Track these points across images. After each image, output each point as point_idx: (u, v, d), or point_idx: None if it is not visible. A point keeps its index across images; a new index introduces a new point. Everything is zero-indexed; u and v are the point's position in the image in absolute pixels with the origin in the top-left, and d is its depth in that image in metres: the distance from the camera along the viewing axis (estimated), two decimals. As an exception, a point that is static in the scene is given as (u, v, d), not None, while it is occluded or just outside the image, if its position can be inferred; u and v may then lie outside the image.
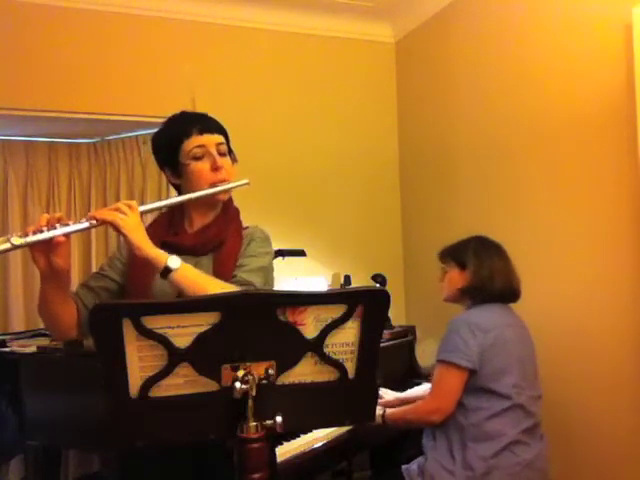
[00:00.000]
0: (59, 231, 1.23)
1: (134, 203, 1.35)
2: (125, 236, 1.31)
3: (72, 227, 1.26)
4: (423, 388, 2.46)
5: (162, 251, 1.34)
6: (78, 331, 1.43)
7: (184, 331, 0.94)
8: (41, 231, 1.22)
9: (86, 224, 1.28)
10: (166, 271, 1.31)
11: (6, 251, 1.19)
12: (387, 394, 2.33)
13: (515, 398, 1.88)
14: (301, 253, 2.95)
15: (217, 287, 1.32)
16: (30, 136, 3.41)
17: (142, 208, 1.37)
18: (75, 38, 2.93)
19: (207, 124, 1.51)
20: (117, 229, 1.31)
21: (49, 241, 1.23)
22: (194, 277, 1.33)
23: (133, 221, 1.32)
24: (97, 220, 1.29)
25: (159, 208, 1.47)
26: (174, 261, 1.31)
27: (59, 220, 1.25)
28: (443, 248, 2.18)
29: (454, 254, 2.11)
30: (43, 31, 2.88)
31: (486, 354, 1.89)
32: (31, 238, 1.21)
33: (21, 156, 3.41)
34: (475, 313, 2.01)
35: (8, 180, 3.37)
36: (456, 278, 2.07)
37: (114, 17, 2.98)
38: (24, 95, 2.83)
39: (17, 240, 1.18)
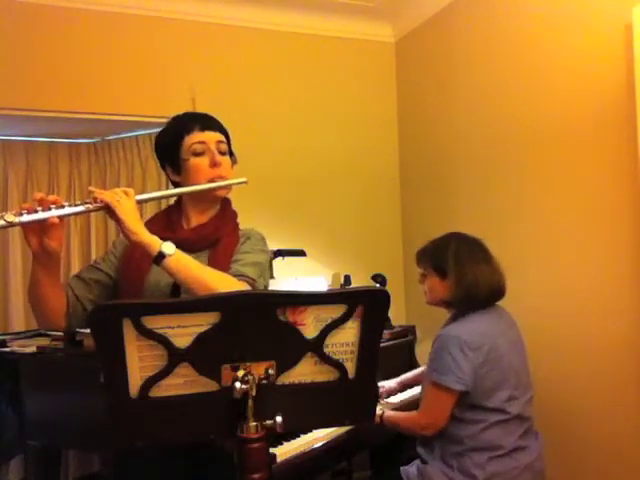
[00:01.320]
0: (54, 212, 1.24)
1: (131, 190, 1.36)
2: (120, 220, 1.31)
3: (67, 210, 1.26)
4: (421, 369, 2.48)
5: (156, 237, 1.33)
6: (66, 322, 1.43)
7: (184, 331, 0.94)
8: (36, 211, 1.23)
9: (81, 207, 1.29)
10: (160, 256, 1.30)
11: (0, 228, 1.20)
12: (388, 383, 2.33)
13: (510, 411, 1.85)
14: (301, 253, 2.95)
15: (211, 274, 1.32)
16: (30, 136, 3.41)
17: (139, 197, 1.37)
18: (75, 38, 2.93)
19: (209, 122, 1.54)
20: (113, 212, 1.31)
21: (43, 222, 1.24)
22: (188, 264, 1.33)
23: (129, 206, 1.32)
24: (95, 200, 1.30)
25: (156, 198, 1.47)
26: (168, 247, 1.31)
27: (54, 202, 1.25)
28: (420, 250, 2.05)
29: (433, 260, 1.98)
30: (43, 31, 2.88)
31: (479, 373, 1.83)
32: (25, 217, 1.21)
33: (21, 156, 3.41)
34: (464, 327, 1.89)
35: (8, 180, 3.36)
36: (437, 287, 1.97)
37: (114, 17, 2.98)
38: (24, 95, 2.83)
39: (11, 217, 1.19)
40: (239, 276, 1.39)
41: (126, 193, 1.34)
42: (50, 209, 1.24)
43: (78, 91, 2.92)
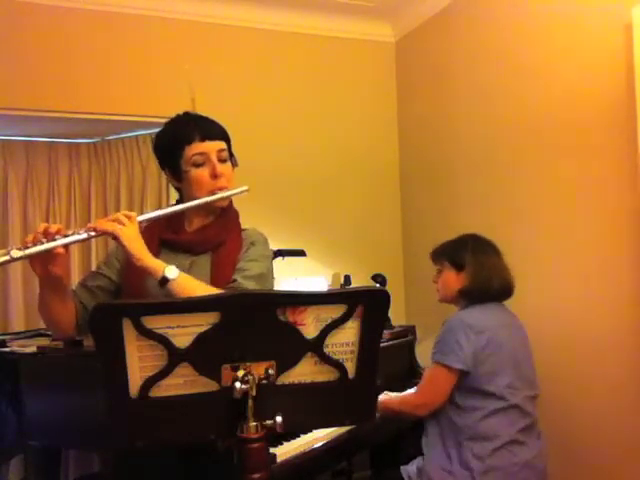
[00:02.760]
0: (58, 242, 1.24)
1: (133, 214, 1.36)
2: (124, 247, 1.32)
3: (71, 238, 1.27)
4: None
5: (160, 261, 1.35)
6: (76, 329, 1.45)
7: (184, 331, 0.94)
8: (40, 242, 1.23)
9: (85, 235, 1.30)
10: (163, 281, 1.32)
11: (5, 263, 1.20)
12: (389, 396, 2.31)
13: (510, 399, 1.88)
14: (301, 253, 2.95)
15: None
16: (30, 136, 3.41)
17: (140, 218, 1.38)
18: (75, 38, 2.93)
19: (209, 130, 1.51)
20: (116, 239, 1.32)
21: (48, 252, 1.24)
22: (191, 286, 1.34)
23: (132, 231, 1.33)
24: (96, 231, 1.31)
25: (158, 217, 1.46)
26: (172, 271, 1.33)
27: (58, 232, 1.26)
28: (435, 248, 2.15)
29: (450, 255, 2.08)
30: (43, 31, 2.88)
31: (479, 356, 1.88)
32: (30, 250, 1.22)
33: (21, 156, 3.40)
34: (469, 313, 1.99)
35: (8, 180, 3.36)
36: (453, 280, 2.05)
37: (114, 17, 2.99)
38: (24, 95, 2.84)
39: (16, 253, 1.19)
40: None
41: (128, 217, 1.34)
42: (54, 239, 1.24)
43: (78, 91, 2.93)
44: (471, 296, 2.02)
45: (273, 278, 1.59)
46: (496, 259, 2.05)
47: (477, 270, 2.00)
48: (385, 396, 2.12)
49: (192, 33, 3.13)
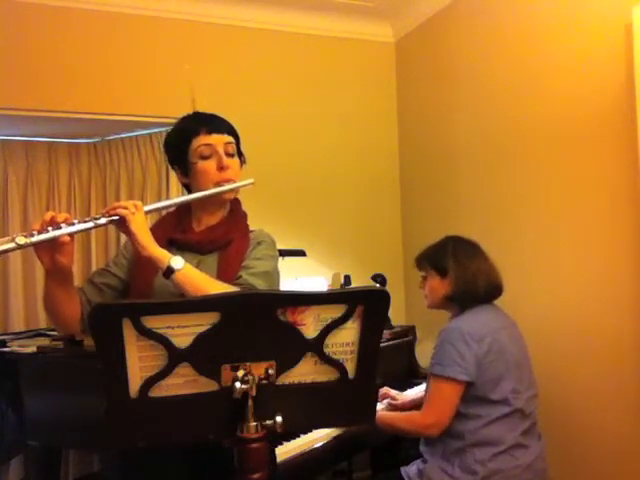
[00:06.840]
0: (64, 231, 1.24)
1: (140, 203, 1.36)
2: (132, 234, 1.32)
3: (77, 227, 1.26)
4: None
5: (166, 251, 1.35)
6: (81, 325, 1.44)
7: (184, 331, 0.94)
8: (46, 230, 1.23)
9: (91, 224, 1.29)
10: (169, 271, 1.32)
11: (11, 250, 1.19)
12: (400, 395, 2.27)
13: (514, 403, 1.85)
14: (301, 253, 2.95)
15: (219, 289, 1.32)
16: (30, 136, 3.41)
17: (147, 208, 1.38)
18: (75, 38, 2.93)
19: (217, 124, 1.53)
20: (125, 225, 1.32)
21: (54, 240, 1.24)
22: (196, 278, 1.34)
23: (140, 220, 1.33)
24: (109, 213, 1.31)
25: (164, 208, 1.47)
26: (177, 262, 1.32)
27: (65, 220, 1.26)
28: (418, 254, 2.10)
29: (432, 260, 2.03)
30: (43, 31, 2.88)
31: (482, 363, 1.83)
32: (36, 238, 1.21)
33: (21, 156, 3.40)
34: (466, 320, 1.93)
35: (8, 180, 3.36)
36: (438, 286, 2.00)
37: (114, 17, 2.98)
38: (24, 95, 2.83)
39: (22, 240, 1.18)
40: (248, 288, 1.39)
41: (136, 206, 1.34)
42: (60, 227, 1.24)
43: (78, 91, 2.92)
44: (459, 301, 1.97)
45: (279, 279, 1.59)
46: (480, 260, 1.99)
47: (461, 274, 1.95)
48: (386, 412, 2.07)
49: (192, 33, 3.13)
